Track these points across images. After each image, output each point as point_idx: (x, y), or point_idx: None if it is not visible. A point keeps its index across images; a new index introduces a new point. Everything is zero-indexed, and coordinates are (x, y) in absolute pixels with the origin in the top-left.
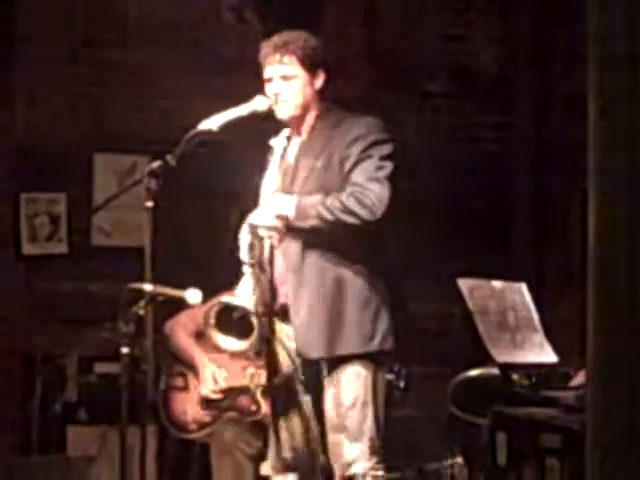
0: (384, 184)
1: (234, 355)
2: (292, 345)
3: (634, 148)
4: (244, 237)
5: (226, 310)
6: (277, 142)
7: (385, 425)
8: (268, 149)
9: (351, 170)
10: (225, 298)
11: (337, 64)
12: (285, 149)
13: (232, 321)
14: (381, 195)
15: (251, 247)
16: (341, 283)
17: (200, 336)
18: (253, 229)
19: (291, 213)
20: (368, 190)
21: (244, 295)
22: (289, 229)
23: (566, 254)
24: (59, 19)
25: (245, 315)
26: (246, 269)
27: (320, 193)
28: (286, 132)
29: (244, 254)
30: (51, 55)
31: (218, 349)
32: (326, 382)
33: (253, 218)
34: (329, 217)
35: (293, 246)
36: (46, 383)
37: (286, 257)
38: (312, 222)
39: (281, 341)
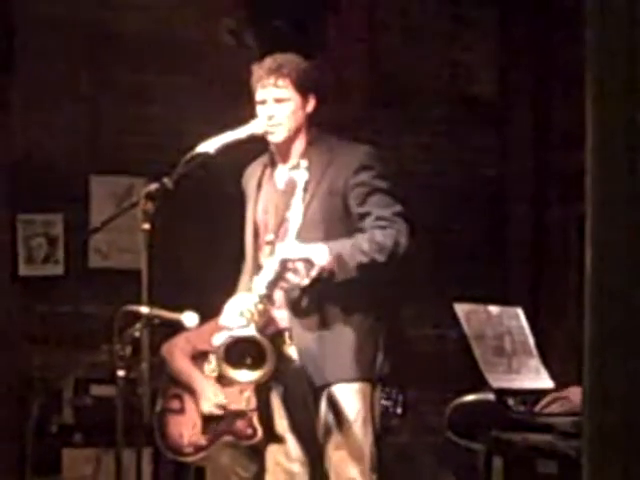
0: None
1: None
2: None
3: (633, 175)
4: (269, 273)
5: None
6: (254, 169)
7: (381, 450)
8: (241, 177)
9: (364, 200)
10: (233, 333)
11: (337, 87)
12: (265, 175)
13: (235, 350)
14: (407, 230)
15: (275, 282)
16: (344, 312)
17: (197, 358)
18: (284, 263)
19: (334, 267)
20: (399, 225)
21: (234, 322)
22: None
23: (563, 279)
24: (58, 39)
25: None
26: (245, 295)
27: (324, 218)
28: (264, 159)
29: (262, 287)
30: (49, 76)
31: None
32: (325, 400)
33: (284, 253)
34: (365, 261)
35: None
36: (42, 405)
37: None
38: (352, 273)
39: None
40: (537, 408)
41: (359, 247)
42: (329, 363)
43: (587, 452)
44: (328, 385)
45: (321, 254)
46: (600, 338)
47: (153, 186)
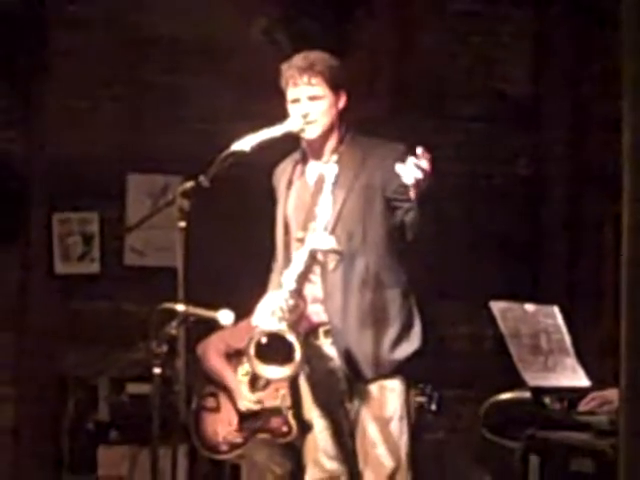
0: None
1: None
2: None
3: None
4: (298, 265)
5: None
6: (285, 167)
7: (417, 447)
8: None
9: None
10: (263, 327)
11: (368, 85)
12: (297, 172)
13: (265, 347)
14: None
15: (305, 274)
16: (381, 302)
17: (231, 357)
18: (313, 254)
19: None
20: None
21: (266, 322)
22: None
23: (598, 278)
24: (94, 41)
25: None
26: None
27: (364, 211)
28: (295, 156)
29: (291, 281)
30: (85, 76)
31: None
32: (360, 397)
33: (313, 244)
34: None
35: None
36: (78, 403)
37: (325, 279)
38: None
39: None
40: (580, 409)
41: None
42: (366, 359)
43: (624, 450)
44: (365, 381)
45: None
46: (637, 337)
47: (189, 184)
